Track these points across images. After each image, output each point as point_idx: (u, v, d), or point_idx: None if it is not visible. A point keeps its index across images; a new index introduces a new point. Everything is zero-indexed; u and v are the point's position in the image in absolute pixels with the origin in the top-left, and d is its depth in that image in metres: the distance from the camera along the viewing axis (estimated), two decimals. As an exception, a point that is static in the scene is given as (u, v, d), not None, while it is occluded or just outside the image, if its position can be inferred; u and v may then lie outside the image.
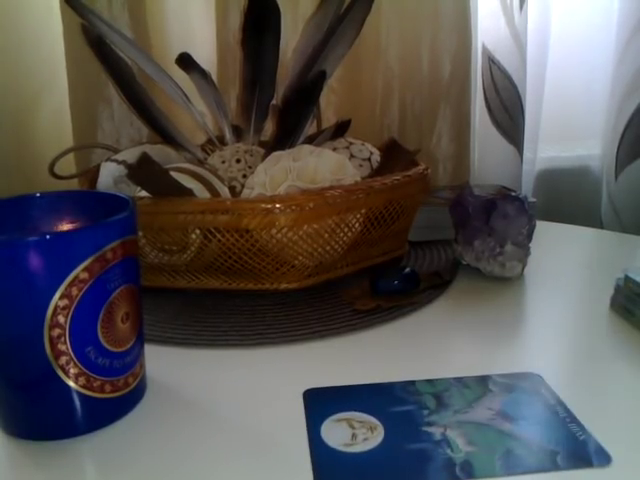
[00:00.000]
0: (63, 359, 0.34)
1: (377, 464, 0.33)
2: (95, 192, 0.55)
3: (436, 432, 0.36)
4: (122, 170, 0.58)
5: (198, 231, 0.51)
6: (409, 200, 0.59)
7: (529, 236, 0.57)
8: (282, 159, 0.54)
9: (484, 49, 0.84)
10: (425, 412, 0.38)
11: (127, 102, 0.63)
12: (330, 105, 0.82)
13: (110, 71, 0.62)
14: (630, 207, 0.89)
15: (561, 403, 0.38)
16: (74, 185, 0.67)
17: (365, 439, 0.35)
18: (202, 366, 0.44)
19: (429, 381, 0.41)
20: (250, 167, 0.61)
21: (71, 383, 0.35)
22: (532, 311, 0.53)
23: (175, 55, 0.63)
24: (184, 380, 0.42)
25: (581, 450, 0.34)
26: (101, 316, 0.35)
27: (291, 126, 0.61)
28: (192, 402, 0.40)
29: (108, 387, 0.37)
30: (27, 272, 0.33)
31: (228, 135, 0.67)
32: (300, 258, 0.53)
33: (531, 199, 0.58)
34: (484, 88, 0.86)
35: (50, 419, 0.36)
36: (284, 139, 0.61)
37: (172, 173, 0.53)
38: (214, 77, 0.67)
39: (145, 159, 0.52)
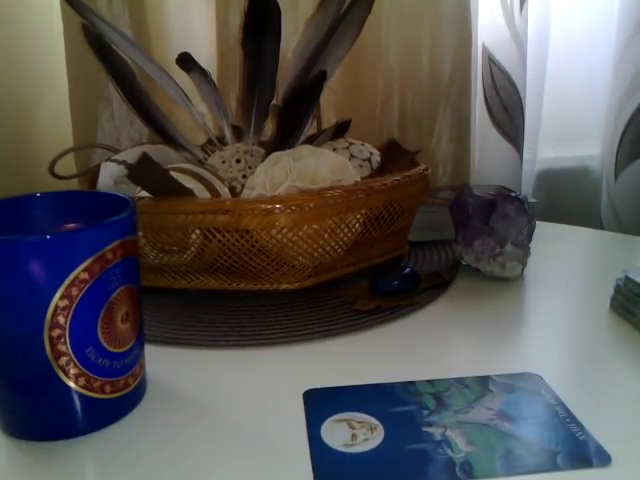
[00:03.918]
0: (63, 359, 0.34)
1: (377, 464, 0.33)
2: (95, 192, 0.55)
3: (436, 432, 0.36)
4: (122, 170, 0.58)
5: (198, 231, 0.51)
6: (409, 200, 0.59)
7: (529, 236, 0.57)
8: (282, 159, 0.54)
9: (484, 49, 0.84)
10: (425, 412, 0.38)
11: (127, 102, 0.63)
12: (330, 105, 0.82)
13: (110, 71, 0.62)
14: (630, 207, 0.89)
15: (561, 403, 0.38)
16: (74, 185, 0.68)
17: (365, 439, 0.35)
18: (202, 366, 0.44)
19: (429, 381, 0.41)
20: (250, 167, 0.61)
21: (71, 383, 0.35)
22: (532, 311, 0.53)
23: (175, 55, 0.63)
24: (184, 380, 0.42)
25: (581, 450, 0.34)
26: (101, 316, 0.35)
27: (291, 126, 0.61)
28: (192, 402, 0.40)
29: (108, 387, 0.37)
30: (27, 272, 0.33)
31: (228, 135, 0.67)
32: (300, 258, 0.53)
33: (531, 199, 0.58)
34: (484, 88, 0.86)
35: (50, 419, 0.36)
36: (284, 139, 0.60)
37: (172, 173, 0.53)
38: (214, 77, 0.67)
39: (145, 159, 0.52)
